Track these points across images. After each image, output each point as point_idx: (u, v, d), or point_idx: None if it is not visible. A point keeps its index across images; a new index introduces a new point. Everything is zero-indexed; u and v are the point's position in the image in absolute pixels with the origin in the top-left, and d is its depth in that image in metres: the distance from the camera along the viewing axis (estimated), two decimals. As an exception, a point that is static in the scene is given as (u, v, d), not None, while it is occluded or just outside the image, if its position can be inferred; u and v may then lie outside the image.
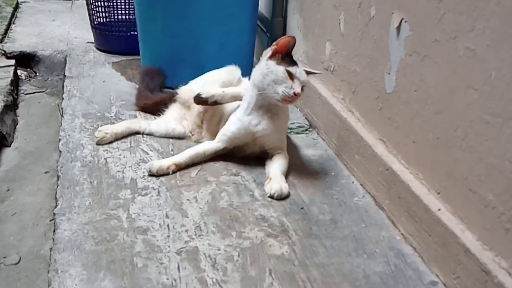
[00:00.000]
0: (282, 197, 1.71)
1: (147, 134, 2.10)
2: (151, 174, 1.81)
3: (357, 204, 1.71)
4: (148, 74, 2.39)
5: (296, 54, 2.41)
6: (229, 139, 1.90)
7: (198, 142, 2.00)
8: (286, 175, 1.84)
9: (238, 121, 1.87)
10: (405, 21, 1.54)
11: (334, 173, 1.89)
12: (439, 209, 1.40)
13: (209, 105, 1.94)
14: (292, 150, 1.95)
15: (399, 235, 1.56)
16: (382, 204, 1.67)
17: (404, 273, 1.42)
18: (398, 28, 1.57)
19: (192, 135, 2.07)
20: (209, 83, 1.98)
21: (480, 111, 1.24)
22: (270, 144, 1.89)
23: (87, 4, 3.09)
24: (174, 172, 1.83)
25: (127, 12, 3.04)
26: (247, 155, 1.93)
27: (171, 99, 2.18)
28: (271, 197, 1.71)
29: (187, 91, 2.10)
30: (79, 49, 3.12)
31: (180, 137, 2.08)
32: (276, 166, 1.83)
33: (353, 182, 1.83)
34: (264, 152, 1.90)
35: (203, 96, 1.92)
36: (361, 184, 1.80)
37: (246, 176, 1.85)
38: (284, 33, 2.59)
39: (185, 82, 2.17)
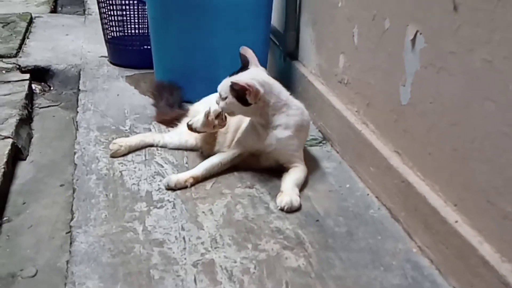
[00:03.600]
0: (292, 210, 1.72)
1: (161, 147, 2.11)
2: (169, 188, 1.82)
3: (373, 217, 1.71)
4: (166, 89, 2.42)
5: (310, 67, 2.43)
6: (242, 145, 1.92)
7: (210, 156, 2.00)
8: (301, 187, 1.84)
9: (247, 133, 1.92)
10: (420, 33, 1.54)
11: (349, 185, 1.89)
12: (456, 221, 1.39)
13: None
14: (306, 163, 1.94)
15: (416, 247, 1.55)
16: (398, 216, 1.66)
17: (421, 285, 1.41)
18: (413, 40, 1.57)
19: (202, 152, 2.06)
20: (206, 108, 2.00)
21: (498, 122, 1.24)
22: (283, 159, 1.89)
23: (101, 19, 3.12)
24: (192, 185, 1.84)
25: (140, 26, 3.06)
26: (263, 168, 1.94)
27: (185, 114, 2.20)
28: (282, 209, 1.72)
29: (194, 110, 2.15)
30: (93, 63, 3.15)
31: (193, 149, 2.09)
32: (289, 179, 1.83)
33: (368, 194, 1.83)
34: (280, 165, 1.90)
35: (191, 125, 1.96)
36: (376, 196, 1.80)
37: (260, 188, 1.85)
38: (297, 46, 2.60)
39: (199, 95, 2.19)
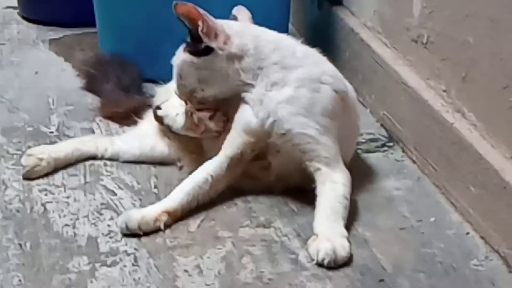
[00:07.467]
0: (337, 263, 1.70)
1: (109, 159, 2.13)
2: (128, 233, 1.81)
3: (477, 271, 1.69)
4: (114, 64, 2.47)
5: (363, 16, 2.43)
6: (235, 136, 1.92)
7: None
8: (351, 221, 1.84)
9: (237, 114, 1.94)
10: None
11: (435, 218, 1.88)
12: None
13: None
14: (361, 179, 1.95)
15: (553, 323, 1.54)
16: (520, 270, 1.65)
17: None
18: (541, -35, 1.57)
19: (181, 167, 2.10)
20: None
21: None
22: (296, 149, 1.88)
23: None
24: (167, 226, 1.84)
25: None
26: (275, 180, 1.96)
27: (149, 103, 2.24)
28: (320, 264, 1.70)
29: (165, 93, 2.16)
30: (-6, 19, 3.18)
31: (163, 162, 2.12)
32: (323, 208, 1.82)
33: (468, 233, 1.82)
34: (305, 175, 1.89)
35: (159, 113, 2.04)
36: (481, 237, 1.79)
37: (283, 227, 1.85)
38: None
39: (170, 71, 2.16)
